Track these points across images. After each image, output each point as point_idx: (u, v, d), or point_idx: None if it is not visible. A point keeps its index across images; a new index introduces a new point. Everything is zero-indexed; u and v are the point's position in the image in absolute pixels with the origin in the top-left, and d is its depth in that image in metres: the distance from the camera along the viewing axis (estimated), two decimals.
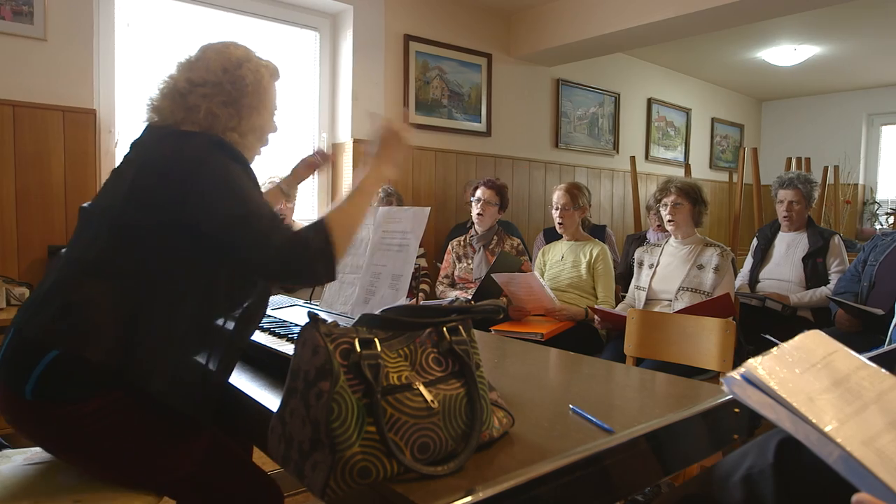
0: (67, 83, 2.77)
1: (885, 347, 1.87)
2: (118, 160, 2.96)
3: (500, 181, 3.34)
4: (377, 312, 0.89)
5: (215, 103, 1.25)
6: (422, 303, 2.98)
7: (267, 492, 1.25)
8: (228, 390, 1.20)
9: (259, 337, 1.37)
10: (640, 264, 2.85)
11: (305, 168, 1.78)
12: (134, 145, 1.29)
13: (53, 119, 2.71)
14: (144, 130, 1.31)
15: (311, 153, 1.78)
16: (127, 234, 1.16)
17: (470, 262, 3.22)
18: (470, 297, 3.01)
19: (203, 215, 1.12)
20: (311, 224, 1.16)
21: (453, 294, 3.21)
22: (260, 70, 1.32)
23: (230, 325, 1.20)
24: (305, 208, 3.76)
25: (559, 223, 3.04)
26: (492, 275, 2.79)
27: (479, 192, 3.23)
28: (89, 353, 1.06)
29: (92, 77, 2.86)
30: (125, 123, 3.00)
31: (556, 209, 3.04)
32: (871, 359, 0.75)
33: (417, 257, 3.42)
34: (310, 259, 1.12)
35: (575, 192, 3.03)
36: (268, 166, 3.46)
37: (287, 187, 1.73)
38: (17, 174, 2.65)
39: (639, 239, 3.69)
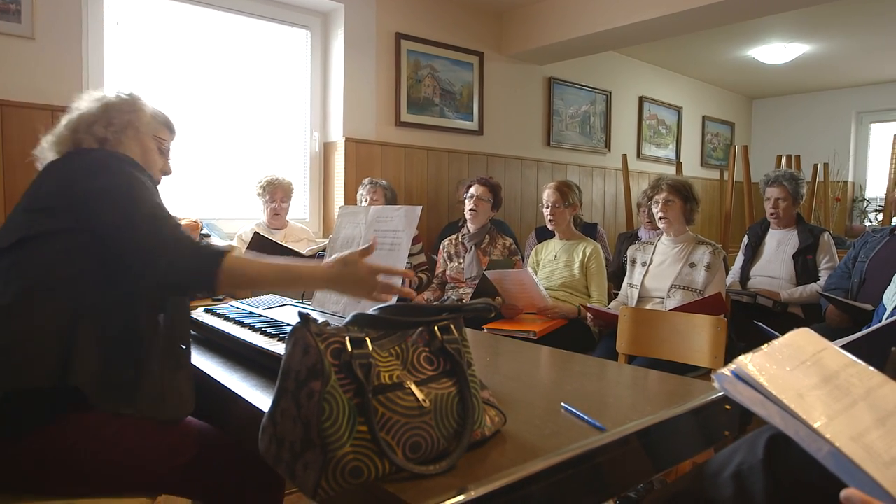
0: (55, 82, 2.75)
1: (861, 332, 1.88)
2: None
3: (494, 180, 3.34)
4: (369, 311, 0.88)
5: (97, 129, 1.32)
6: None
7: (266, 477, 1.24)
8: (219, 390, 1.19)
9: (250, 336, 1.36)
10: (633, 262, 2.86)
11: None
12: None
13: (41, 118, 2.68)
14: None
15: None
16: (37, 250, 1.16)
17: (461, 261, 3.22)
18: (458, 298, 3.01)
19: (100, 218, 1.15)
20: (210, 254, 1.13)
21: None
22: (135, 105, 1.39)
23: (161, 319, 1.21)
24: (298, 208, 3.75)
25: (550, 220, 3.05)
26: (485, 272, 2.79)
27: (472, 189, 3.23)
28: (28, 383, 1.06)
29: (80, 76, 2.83)
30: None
31: (547, 207, 3.04)
32: (848, 344, 0.76)
33: (415, 253, 3.45)
34: (190, 283, 1.15)
35: (565, 190, 3.04)
36: (264, 167, 3.46)
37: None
38: (4, 174, 2.63)
39: (631, 237, 3.70)
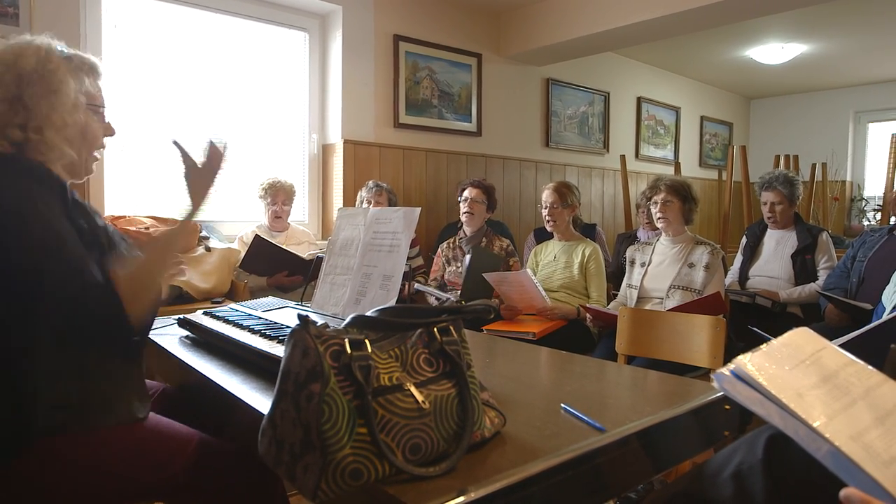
0: None
1: (859, 330, 1.88)
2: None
3: (487, 181, 3.34)
4: (368, 313, 0.88)
5: (10, 129, 1.11)
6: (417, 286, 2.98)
7: (265, 478, 1.24)
8: (218, 392, 1.19)
9: (249, 339, 1.36)
10: (632, 263, 2.86)
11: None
12: None
13: None
14: None
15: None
16: None
17: (459, 264, 3.22)
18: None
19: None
20: (105, 288, 1.09)
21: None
22: (49, 56, 1.15)
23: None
24: (296, 210, 3.74)
25: (548, 221, 3.05)
26: (483, 274, 2.79)
27: (466, 193, 3.24)
28: None
29: None
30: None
31: (545, 208, 3.05)
32: (847, 342, 0.77)
33: (412, 256, 3.45)
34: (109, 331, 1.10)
35: (563, 191, 3.04)
36: (263, 170, 3.46)
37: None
38: None
39: (629, 238, 3.71)
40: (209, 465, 1.20)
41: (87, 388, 1.12)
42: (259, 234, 2.98)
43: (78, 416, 1.10)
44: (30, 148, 1.14)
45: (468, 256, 2.93)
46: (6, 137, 1.13)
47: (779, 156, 4.94)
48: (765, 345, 0.77)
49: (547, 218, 3.05)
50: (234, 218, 3.43)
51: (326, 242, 1.78)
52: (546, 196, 3.06)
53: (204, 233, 2.96)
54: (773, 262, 3.21)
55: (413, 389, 0.83)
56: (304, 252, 3.15)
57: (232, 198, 3.44)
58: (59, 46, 1.21)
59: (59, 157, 1.17)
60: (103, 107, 1.28)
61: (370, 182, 3.45)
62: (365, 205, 3.40)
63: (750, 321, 2.90)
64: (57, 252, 1.06)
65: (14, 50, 1.15)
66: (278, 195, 3.21)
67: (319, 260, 1.81)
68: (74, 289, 1.06)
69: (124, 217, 2.78)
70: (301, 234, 3.39)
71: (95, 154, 1.30)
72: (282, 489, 1.28)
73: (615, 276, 3.42)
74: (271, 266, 2.96)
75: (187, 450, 1.18)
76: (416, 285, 3.00)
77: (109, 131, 1.31)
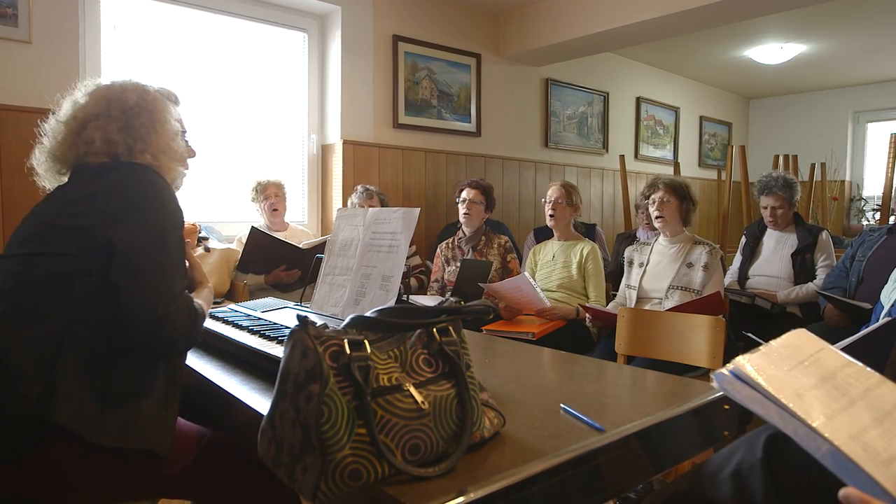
0: (53, 86, 2.70)
1: (857, 335, 1.89)
2: None
3: (485, 181, 3.35)
4: (367, 314, 0.88)
5: (110, 131, 1.23)
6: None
7: (268, 478, 1.24)
8: (218, 393, 1.19)
9: (249, 339, 1.36)
10: (630, 263, 2.86)
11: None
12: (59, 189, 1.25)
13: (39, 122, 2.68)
14: (70, 176, 1.27)
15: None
16: (41, 268, 1.11)
17: (458, 265, 3.23)
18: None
19: (119, 275, 1.08)
20: (196, 312, 1.17)
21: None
22: (145, 90, 1.31)
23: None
24: (296, 210, 3.75)
25: (550, 216, 3.07)
26: (481, 285, 2.80)
27: (464, 193, 3.24)
28: (12, 409, 1.01)
29: (78, 80, 2.82)
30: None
31: (549, 202, 3.07)
32: (848, 346, 0.77)
33: (410, 256, 3.45)
34: (179, 342, 1.13)
35: (569, 189, 3.10)
36: (262, 170, 3.46)
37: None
38: (2, 179, 2.63)
39: (629, 238, 3.71)
40: (210, 463, 1.20)
41: (127, 405, 1.09)
42: (255, 226, 2.96)
43: (103, 430, 1.06)
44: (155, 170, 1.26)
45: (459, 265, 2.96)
46: (139, 160, 1.25)
47: (778, 156, 4.94)
48: (764, 345, 0.77)
49: (550, 212, 3.07)
50: (233, 218, 3.43)
51: (324, 235, 1.78)
52: (552, 191, 3.09)
53: (203, 233, 2.95)
54: (772, 262, 3.21)
55: (412, 390, 0.83)
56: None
57: (231, 198, 3.44)
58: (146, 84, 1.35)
59: (173, 179, 1.31)
60: (186, 131, 1.42)
61: (359, 187, 3.43)
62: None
63: (749, 322, 2.91)
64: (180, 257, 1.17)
65: (115, 87, 1.30)
66: (269, 189, 3.22)
67: (318, 261, 1.81)
68: (169, 296, 1.11)
69: None
70: (301, 233, 3.39)
71: (185, 172, 1.41)
72: (289, 487, 1.27)
73: (614, 276, 3.43)
74: (269, 260, 2.95)
75: (188, 447, 1.18)
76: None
77: (192, 153, 1.44)
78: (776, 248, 3.23)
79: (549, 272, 3.03)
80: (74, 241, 1.12)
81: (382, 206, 3.41)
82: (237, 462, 1.23)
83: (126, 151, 1.23)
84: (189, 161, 1.43)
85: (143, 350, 1.12)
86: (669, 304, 2.57)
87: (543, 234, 3.45)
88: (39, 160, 1.30)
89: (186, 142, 1.41)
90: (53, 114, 1.31)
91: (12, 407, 1.01)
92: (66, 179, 1.27)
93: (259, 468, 1.22)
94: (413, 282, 3.39)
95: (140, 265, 1.09)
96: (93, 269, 1.10)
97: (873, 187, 6.70)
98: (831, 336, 0.82)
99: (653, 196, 2.76)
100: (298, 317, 0.82)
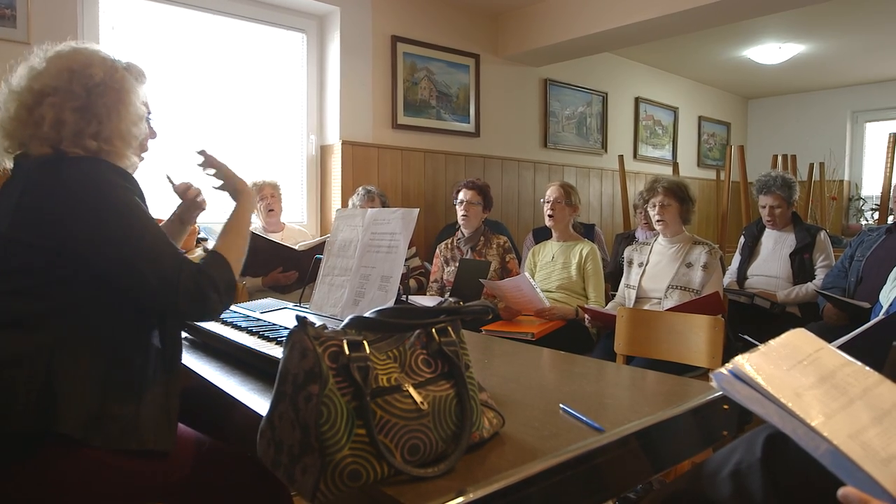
0: None
1: (856, 331, 1.88)
2: None
3: (482, 181, 3.35)
4: (367, 314, 0.88)
5: (66, 110, 1.12)
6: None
7: (268, 478, 1.24)
8: (217, 394, 1.19)
9: (248, 340, 1.36)
10: (630, 263, 2.86)
11: (190, 194, 1.60)
12: (6, 184, 1.17)
13: None
14: (13, 169, 1.17)
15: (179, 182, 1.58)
16: (18, 282, 1.07)
17: (457, 265, 3.23)
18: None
19: (97, 257, 1.06)
20: (210, 259, 1.15)
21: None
22: (113, 66, 1.20)
23: (156, 342, 1.16)
24: (295, 211, 3.75)
25: (549, 216, 3.07)
26: (481, 280, 2.80)
27: (461, 195, 3.25)
28: (13, 426, 1.00)
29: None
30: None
31: (548, 202, 3.07)
32: (845, 343, 0.77)
33: (409, 257, 3.45)
34: (216, 299, 1.11)
35: (569, 190, 3.11)
36: (256, 169, 3.46)
37: (185, 215, 1.58)
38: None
39: (628, 238, 3.71)
40: (209, 466, 1.20)
41: (128, 406, 1.09)
42: (251, 230, 2.96)
43: (105, 434, 1.06)
44: (103, 156, 1.16)
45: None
46: (82, 147, 1.14)
47: (776, 155, 4.95)
48: (763, 345, 0.77)
49: (549, 212, 3.07)
50: None
51: (324, 236, 1.78)
52: (551, 191, 3.10)
53: (202, 234, 2.95)
54: (771, 262, 3.22)
55: (411, 390, 0.83)
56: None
57: (230, 200, 3.43)
58: (111, 55, 1.24)
59: (127, 167, 1.21)
60: (151, 114, 1.32)
61: (360, 189, 3.43)
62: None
63: (748, 322, 2.91)
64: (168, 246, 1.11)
65: (80, 58, 1.18)
66: (264, 189, 3.23)
67: (318, 261, 1.81)
68: (172, 284, 1.07)
69: None
70: (298, 233, 3.38)
71: (137, 162, 1.32)
72: (287, 489, 1.27)
73: (613, 276, 3.43)
74: (265, 263, 2.94)
75: (187, 451, 1.18)
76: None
77: (153, 135, 1.35)
78: (775, 248, 3.23)
79: (548, 273, 3.03)
80: (42, 257, 1.08)
81: (383, 207, 3.41)
82: (235, 468, 1.23)
83: (70, 136, 1.13)
84: (149, 143, 1.35)
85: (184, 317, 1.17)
86: (669, 303, 2.57)
87: (542, 235, 3.46)
88: None
89: (150, 125, 1.32)
90: (5, 81, 1.19)
91: (13, 423, 1.00)
92: (10, 165, 1.19)
93: (258, 477, 1.22)
94: (412, 283, 3.39)
95: (128, 264, 1.07)
96: (67, 278, 1.08)
97: (872, 187, 6.70)
98: (830, 336, 0.82)
99: (652, 200, 2.76)
100: (297, 317, 0.81)
